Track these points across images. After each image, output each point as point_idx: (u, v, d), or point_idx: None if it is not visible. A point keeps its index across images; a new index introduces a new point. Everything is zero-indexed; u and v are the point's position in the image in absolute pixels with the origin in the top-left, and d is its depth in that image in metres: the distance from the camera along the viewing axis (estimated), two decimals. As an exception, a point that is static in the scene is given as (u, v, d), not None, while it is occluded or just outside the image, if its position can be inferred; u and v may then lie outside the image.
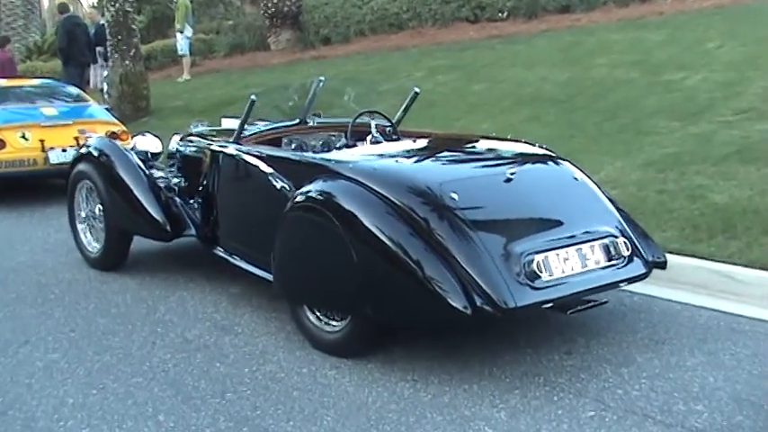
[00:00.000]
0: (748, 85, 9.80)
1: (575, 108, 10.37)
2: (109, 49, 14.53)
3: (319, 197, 4.35)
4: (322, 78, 5.67)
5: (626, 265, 4.32)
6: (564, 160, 4.87)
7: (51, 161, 8.81)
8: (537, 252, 4.03)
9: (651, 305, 5.05)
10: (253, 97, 5.12)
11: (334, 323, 4.43)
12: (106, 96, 14.59)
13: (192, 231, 5.76)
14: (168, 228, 5.75)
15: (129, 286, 5.82)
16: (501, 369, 4.20)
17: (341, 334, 4.37)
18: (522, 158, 4.77)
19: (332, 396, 3.98)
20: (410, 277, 3.94)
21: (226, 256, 5.42)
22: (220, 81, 17.34)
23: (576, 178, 4.70)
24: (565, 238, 4.20)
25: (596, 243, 4.28)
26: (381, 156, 4.69)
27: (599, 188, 4.78)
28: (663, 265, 4.60)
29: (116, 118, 10.26)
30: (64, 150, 8.80)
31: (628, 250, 4.32)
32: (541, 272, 3.96)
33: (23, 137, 8.80)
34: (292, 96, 5.80)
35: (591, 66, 12.20)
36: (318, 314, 4.50)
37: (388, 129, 5.77)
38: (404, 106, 5.95)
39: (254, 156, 5.04)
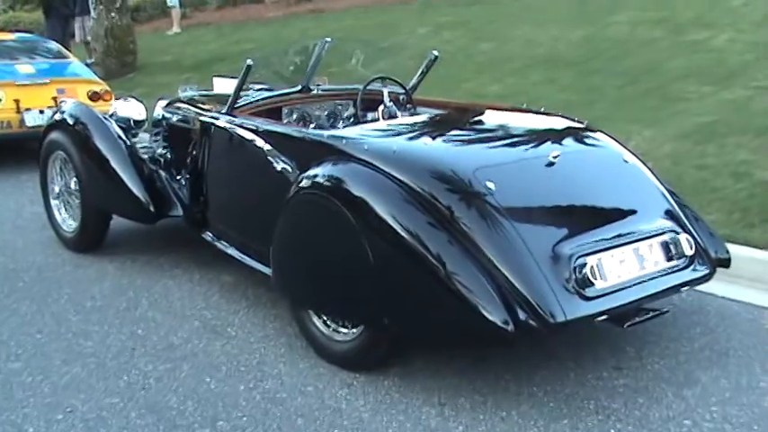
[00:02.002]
0: (782, 47, 9.09)
1: (593, 70, 9.63)
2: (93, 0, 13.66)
3: (328, 183, 3.66)
4: (328, 39, 4.95)
5: (688, 265, 3.66)
6: (610, 138, 4.18)
7: (27, 123, 8.07)
8: (589, 253, 3.36)
9: (704, 304, 4.41)
10: (249, 62, 4.39)
11: (344, 331, 3.77)
12: (91, 51, 13.76)
13: (179, 212, 5.06)
14: (152, 208, 5.06)
15: (108, 272, 5.14)
16: (541, 389, 3.56)
17: (353, 344, 3.71)
18: (564, 137, 4.08)
19: (344, 426, 3.32)
20: (438, 284, 3.26)
21: (216, 243, 4.75)
22: (212, 35, 16.50)
23: (626, 161, 4.02)
24: (620, 236, 3.52)
25: (655, 240, 3.61)
26: (400, 134, 3.98)
27: (650, 170, 4.10)
28: (727, 263, 3.94)
29: (99, 76, 9.46)
30: (41, 112, 8.07)
31: (691, 249, 3.66)
32: (595, 278, 3.29)
33: (-4, 97, 8.04)
34: (293, 59, 5.08)
35: (608, 23, 11.43)
36: (326, 320, 3.84)
37: (402, 97, 5.06)
38: (420, 71, 5.24)
39: (250, 130, 4.33)
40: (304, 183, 3.76)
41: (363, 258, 3.41)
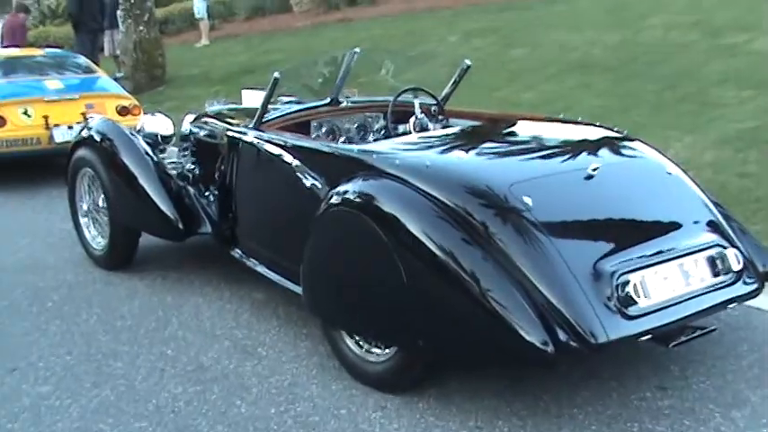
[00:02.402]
0: (823, 50, 8.86)
1: (629, 75, 9.45)
2: (122, 14, 13.68)
3: (359, 199, 3.55)
4: (357, 50, 4.85)
5: (735, 280, 3.50)
6: (651, 148, 4.04)
7: (56, 140, 8.04)
8: (632, 270, 3.22)
9: (750, 319, 4.24)
10: (276, 75, 4.30)
11: (377, 351, 3.65)
12: (120, 65, 13.79)
13: (208, 229, 4.98)
14: (180, 225, 4.98)
15: (138, 290, 5.07)
16: (582, 411, 3.42)
17: (386, 365, 3.59)
18: (603, 148, 3.94)
19: (378, 452, 3.21)
20: (474, 303, 3.14)
21: (245, 260, 4.65)
22: (240, 46, 16.49)
23: (669, 172, 3.88)
24: (664, 251, 3.38)
25: (700, 255, 3.46)
26: (433, 147, 3.87)
27: (694, 181, 3.95)
28: (776, 278, 3.76)
29: (128, 90, 9.45)
30: (70, 128, 8.01)
31: (738, 263, 3.50)
32: (638, 296, 3.15)
33: (26, 113, 8.03)
34: (321, 71, 4.98)
35: (643, 27, 11.23)
36: (358, 340, 3.73)
37: (433, 108, 4.94)
38: (452, 81, 5.11)
39: (278, 145, 4.23)
40: (334, 199, 3.65)
41: (396, 277, 3.30)
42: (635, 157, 3.91)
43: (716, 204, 3.87)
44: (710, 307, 3.39)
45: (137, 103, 8.77)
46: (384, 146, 3.90)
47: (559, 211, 3.40)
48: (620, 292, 3.14)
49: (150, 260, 5.57)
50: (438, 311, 3.26)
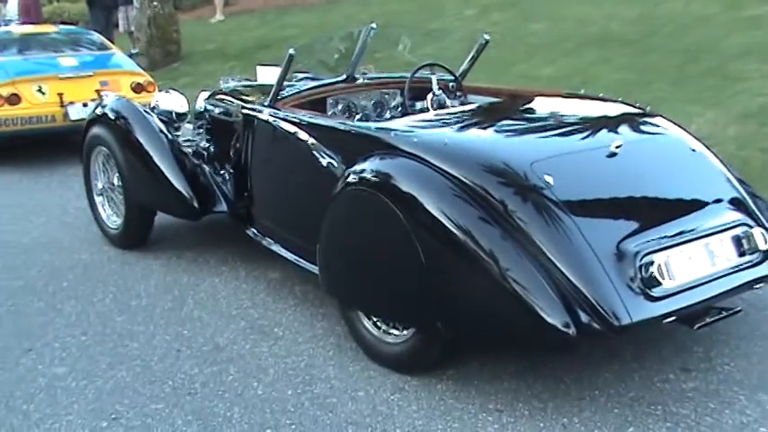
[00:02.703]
0: None
1: (649, 49, 9.30)
2: (135, -11, 13.60)
3: (376, 178, 3.48)
4: (373, 25, 4.75)
5: (762, 260, 3.42)
6: (674, 124, 3.95)
7: (71, 117, 8.00)
8: (656, 251, 3.14)
9: (776, 298, 4.15)
10: (291, 51, 4.22)
11: (395, 333, 3.60)
12: (134, 41, 13.71)
13: (224, 207, 4.93)
14: (196, 203, 4.93)
15: (154, 270, 5.04)
16: (604, 393, 3.36)
17: (404, 346, 3.54)
18: (626, 125, 3.85)
19: (397, 434, 3.16)
20: (493, 284, 3.07)
21: (261, 239, 4.61)
22: (255, 21, 16.36)
23: (693, 149, 3.79)
24: (689, 231, 3.30)
25: (726, 234, 3.38)
26: (451, 125, 3.79)
27: (719, 158, 3.85)
28: (803, 257, 3.67)
29: (142, 67, 9.39)
30: (85, 105, 7.97)
31: (765, 243, 3.41)
32: (663, 277, 3.08)
33: (40, 90, 7.99)
34: (337, 47, 4.90)
35: (662, 0, 11.04)
36: (376, 321, 3.67)
37: (451, 84, 4.86)
38: (470, 56, 5.02)
39: (294, 123, 4.16)
40: (351, 178, 3.59)
41: (414, 258, 3.24)
42: (658, 133, 3.82)
43: (741, 182, 3.77)
44: (736, 287, 3.31)
45: (151, 79, 8.72)
46: (401, 124, 3.82)
47: (581, 189, 3.32)
48: (643, 273, 3.06)
49: (165, 239, 5.54)
50: (457, 292, 3.19)
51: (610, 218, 3.29)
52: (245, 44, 13.89)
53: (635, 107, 4.10)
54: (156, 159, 5.03)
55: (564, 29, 10.80)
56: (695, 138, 3.91)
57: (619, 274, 3.05)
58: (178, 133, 5.47)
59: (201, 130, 5.48)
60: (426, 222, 3.24)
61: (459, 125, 3.78)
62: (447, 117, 3.96)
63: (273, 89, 4.41)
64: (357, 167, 3.59)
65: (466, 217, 3.19)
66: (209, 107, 5.37)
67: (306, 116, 4.14)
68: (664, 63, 8.72)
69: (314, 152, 3.96)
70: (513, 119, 3.96)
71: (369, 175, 3.51)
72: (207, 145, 5.31)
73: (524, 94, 4.60)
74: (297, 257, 4.27)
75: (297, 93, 4.59)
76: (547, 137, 3.69)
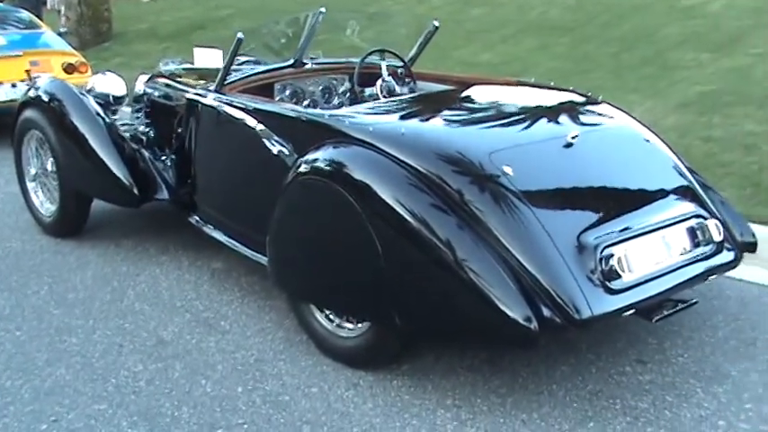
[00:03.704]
0: (781, 13, 8.84)
1: (587, 37, 9.35)
2: (64, -35, 13.15)
3: (331, 168, 3.37)
4: (322, 10, 4.62)
5: (716, 252, 3.42)
6: (628, 115, 3.93)
7: (-1, 98, 7.68)
8: (615, 243, 3.11)
9: (723, 288, 4.19)
10: (240, 35, 4.07)
11: (349, 326, 3.51)
12: (63, 20, 13.26)
13: (165, 195, 4.76)
14: (135, 190, 4.74)
15: (90, 260, 4.84)
16: (562, 387, 3.32)
17: (359, 340, 3.45)
18: (581, 114, 3.82)
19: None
20: (452, 277, 2.99)
21: (204, 227, 4.46)
22: (189, 1, 16.00)
23: (646, 140, 3.77)
24: (645, 222, 3.27)
25: (681, 226, 3.37)
26: (405, 113, 3.70)
27: (671, 149, 3.85)
28: (753, 247, 3.69)
29: (72, 46, 9.05)
30: (14, 86, 7.67)
31: (720, 234, 3.41)
32: (622, 270, 3.04)
33: (-35, 71, 7.64)
34: (284, 31, 4.76)
35: (599, -12, 11.12)
36: (328, 314, 3.58)
37: (400, 71, 4.77)
38: (419, 42, 4.94)
39: (243, 109, 4.01)
40: (303, 167, 3.47)
41: (370, 249, 3.15)
42: (612, 124, 3.79)
43: (692, 171, 3.78)
44: (692, 278, 3.30)
45: (84, 60, 8.42)
46: (355, 111, 3.71)
47: (540, 180, 3.26)
48: (603, 266, 3.03)
49: (102, 227, 5.34)
50: (415, 285, 3.12)
51: (569, 209, 3.24)
52: (179, 24, 13.58)
53: (587, 97, 4.07)
54: (94, 144, 4.82)
55: (503, 14, 10.80)
56: (647, 128, 3.89)
57: (579, 267, 3.01)
58: (115, 117, 5.26)
59: (140, 114, 5.29)
60: (382, 212, 3.15)
61: (414, 114, 3.70)
62: (401, 105, 3.87)
63: (221, 74, 4.25)
64: (310, 156, 3.47)
65: (423, 207, 3.11)
66: (149, 90, 5.19)
67: (256, 102, 4.00)
68: (601, 51, 8.78)
69: (263, 139, 3.83)
70: (467, 108, 3.90)
71: (322, 164, 3.40)
72: (146, 130, 5.12)
73: (476, 81, 4.52)
74: (243, 247, 4.14)
75: (244, 78, 4.44)
76: (503, 126, 3.62)
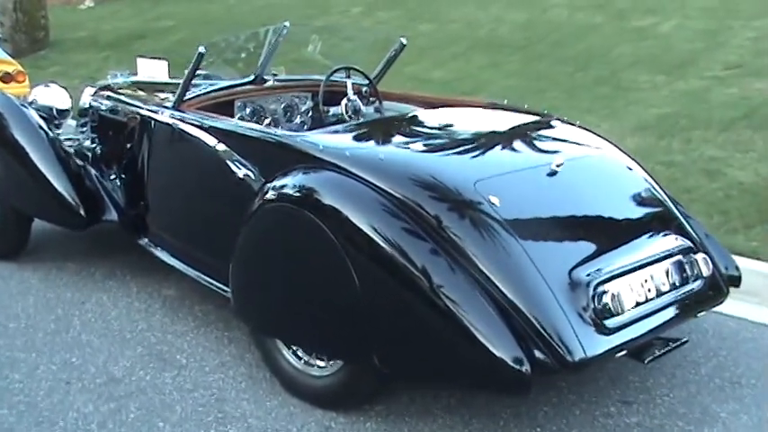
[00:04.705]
0: (731, 36, 8.90)
1: (538, 55, 9.28)
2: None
3: (303, 195, 3.14)
4: (287, 24, 4.40)
5: (704, 287, 3.27)
6: (607, 141, 3.79)
7: (-71, 108, 7.21)
8: (608, 279, 2.94)
9: (699, 322, 4.03)
10: (201, 49, 3.82)
11: (319, 364, 3.27)
12: (-1, 25, 12.75)
13: (114, 215, 4.46)
14: (82, 211, 4.44)
15: (32, 285, 4.51)
16: (546, 430, 3.13)
17: (330, 380, 3.22)
18: (560, 140, 3.66)
19: (330, 484, 2.84)
20: (437, 315, 2.79)
21: (155, 251, 4.18)
22: (129, 10, 15.56)
23: (629, 168, 3.63)
24: (635, 258, 3.11)
25: (670, 260, 3.21)
26: (380, 138, 3.49)
27: (651, 177, 3.71)
28: (738, 282, 3.56)
29: (9, 54, 8.64)
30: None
31: (708, 269, 3.28)
32: (615, 309, 2.87)
33: None
34: (244, 46, 4.52)
35: (548, 6, 11.12)
36: (295, 351, 3.34)
37: (364, 89, 4.56)
38: (385, 60, 4.76)
39: (204, 129, 3.75)
40: (273, 193, 3.24)
41: (347, 283, 2.93)
42: (594, 151, 3.63)
43: (675, 203, 3.65)
44: (682, 316, 3.16)
45: (21, 68, 8.03)
46: (327, 134, 3.49)
47: (527, 211, 3.09)
48: (597, 304, 2.86)
49: (42, 248, 5.00)
50: (395, 321, 2.90)
51: (558, 243, 3.08)
52: (119, 33, 13.15)
53: (563, 121, 3.92)
54: (36, 159, 4.51)
55: (452, 31, 10.68)
56: (628, 155, 3.75)
57: (571, 304, 2.83)
58: (59, 131, 4.94)
59: (86, 129, 4.98)
60: (360, 243, 2.94)
61: (390, 138, 3.49)
62: (374, 128, 3.67)
63: (179, 89, 3.98)
64: (280, 181, 3.24)
65: (404, 238, 2.91)
66: (97, 104, 4.88)
67: (219, 122, 3.75)
68: (554, 70, 8.70)
69: (227, 161, 3.58)
70: (444, 132, 3.69)
71: (294, 191, 3.18)
72: (93, 145, 4.82)
73: (444, 102, 4.34)
74: (197, 272, 3.89)
75: (203, 94, 4.18)
76: (484, 152, 3.43)
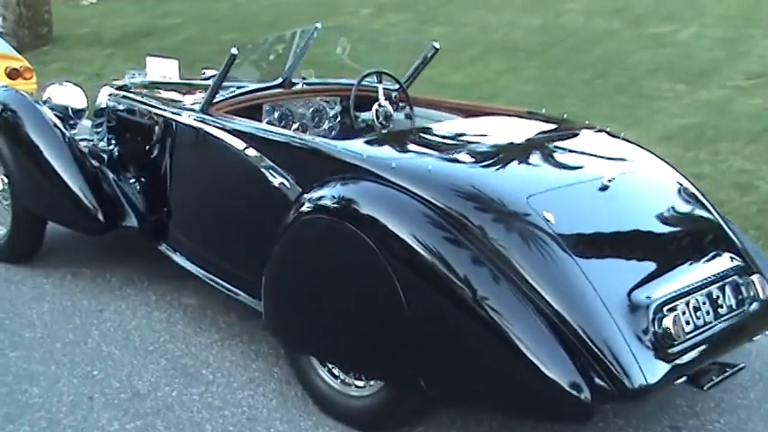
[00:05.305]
0: (752, 45, 8.77)
1: (556, 61, 9.14)
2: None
3: (346, 207, 2.99)
4: (318, 25, 4.25)
5: (759, 309, 3.12)
6: (654, 154, 3.64)
7: (-64, 105, 7.04)
8: (667, 302, 2.79)
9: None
10: (234, 51, 3.65)
11: (359, 384, 3.11)
12: (0, 20, 12.55)
13: (133, 221, 4.29)
14: (101, 216, 4.26)
15: (47, 291, 4.34)
16: (595, 456, 2.99)
17: (370, 401, 3.06)
18: (608, 152, 3.51)
19: None
20: (493, 338, 2.64)
21: (180, 260, 4.02)
22: (133, 7, 15.39)
23: (679, 183, 3.48)
24: (692, 278, 2.96)
25: (725, 282, 3.06)
26: (428, 148, 3.33)
27: (701, 193, 3.56)
28: (789, 303, 3.40)
29: (16, 50, 8.46)
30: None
31: (764, 291, 3.13)
32: (677, 334, 2.72)
33: None
34: (274, 49, 4.35)
35: (562, 11, 10.99)
36: (332, 368, 3.18)
37: (394, 94, 4.41)
38: (417, 64, 4.60)
39: (236, 135, 3.59)
40: (312, 204, 3.08)
41: (394, 302, 2.78)
42: (644, 164, 3.49)
43: (725, 220, 3.50)
44: (739, 339, 3.03)
45: (29, 65, 7.85)
46: (370, 143, 3.32)
47: (581, 229, 2.94)
48: (656, 327, 2.71)
49: (55, 252, 4.81)
50: (445, 342, 2.75)
51: (614, 261, 2.94)
52: (124, 30, 12.97)
53: (609, 133, 3.77)
54: (53, 160, 4.34)
55: (466, 35, 10.53)
56: (679, 172, 3.61)
57: (630, 328, 2.69)
58: (74, 131, 4.78)
59: (101, 130, 4.82)
60: (409, 260, 2.80)
61: (435, 148, 3.33)
62: (416, 138, 3.51)
63: (209, 92, 3.82)
64: (319, 192, 3.09)
65: (455, 254, 2.76)
66: (115, 104, 4.70)
67: (253, 127, 3.59)
68: (573, 77, 8.56)
69: (261, 169, 3.42)
70: (488, 142, 3.52)
71: (335, 202, 3.02)
72: (110, 147, 4.66)
73: (477, 110, 4.19)
74: (224, 283, 3.73)
75: (231, 97, 4.01)
76: (533, 165, 3.29)
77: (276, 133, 3.55)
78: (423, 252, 2.76)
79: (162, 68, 5.20)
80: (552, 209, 2.87)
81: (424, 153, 3.25)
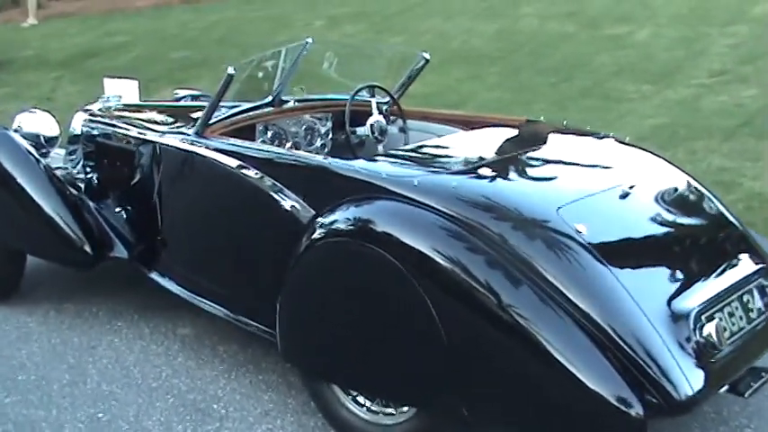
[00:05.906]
0: (709, 43, 8.87)
1: (517, 66, 9.11)
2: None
3: (368, 229, 2.87)
4: (309, 40, 4.13)
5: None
6: (662, 159, 3.60)
7: None
8: (704, 309, 2.73)
9: None
10: (231, 71, 3.51)
11: (390, 412, 2.99)
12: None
13: (123, 251, 4.10)
14: (88, 248, 4.07)
15: (32, 330, 4.13)
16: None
17: (400, 429, 2.94)
18: (621, 159, 3.45)
19: None
20: (535, 356, 2.56)
21: (176, 289, 3.83)
22: (76, 27, 14.97)
23: (695, 188, 3.44)
24: (724, 283, 2.92)
25: (753, 285, 3.02)
26: (445, 164, 3.24)
27: (715, 197, 3.52)
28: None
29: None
30: None
31: (791, 292, 3.09)
32: (719, 341, 2.66)
33: None
34: (262, 66, 4.21)
35: (518, 16, 11.01)
36: (355, 396, 3.05)
37: (385, 107, 4.32)
38: (406, 76, 4.50)
39: (239, 158, 3.43)
40: (330, 227, 2.96)
41: (425, 322, 2.67)
42: (659, 170, 3.44)
43: (739, 222, 3.46)
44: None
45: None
46: (387, 162, 3.21)
47: (612, 238, 2.88)
48: (698, 336, 2.65)
49: (33, 287, 4.56)
50: (486, 365, 2.65)
51: (649, 271, 2.86)
52: (70, 52, 12.59)
53: (617, 139, 3.72)
54: (32, 191, 4.13)
55: (424, 43, 10.41)
56: (687, 173, 3.57)
57: (673, 338, 2.63)
58: (48, 160, 4.57)
59: (76, 157, 4.63)
60: (442, 281, 2.70)
61: (453, 164, 3.24)
62: (430, 153, 3.41)
63: (204, 114, 3.66)
64: (337, 214, 2.97)
65: (488, 272, 2.67)
66: (90, 130, 4.52)
67: (258, 149, 3.45)
68: (536, 81, 8.54)
69: (270, 192, 3.27)
70: (501, 154, 3.42)
71: (356, 224, 2.90)
72: (88, 175, 4.48)
73: (472, 120, 4.10)
74: (227, 312, 3.57)
75: (225, 118, 3.86)
76: (554, 176, 3.21)
77: (285, 155, 3.42)
78: (459, 273, 2.66)
79: (121, 90, 5.03)
80: (582, 219, 2.80)
81: (443, 169, 3.15)
